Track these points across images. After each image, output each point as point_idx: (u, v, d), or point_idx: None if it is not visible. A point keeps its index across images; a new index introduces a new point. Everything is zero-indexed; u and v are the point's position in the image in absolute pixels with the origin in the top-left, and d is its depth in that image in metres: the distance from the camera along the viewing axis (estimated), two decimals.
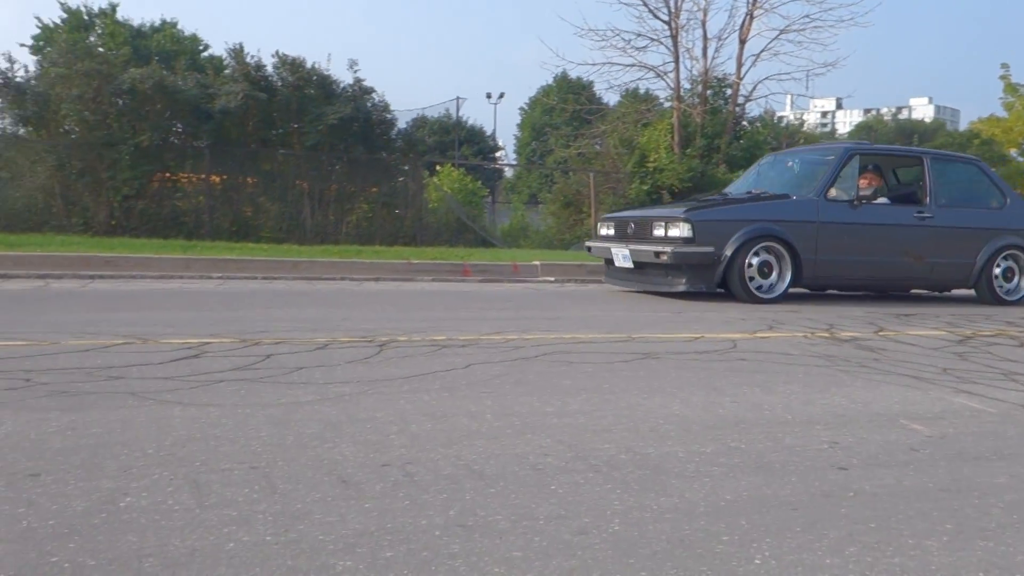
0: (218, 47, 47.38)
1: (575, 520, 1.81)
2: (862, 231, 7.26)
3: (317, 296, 6.35)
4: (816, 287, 7.61)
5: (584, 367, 3.54)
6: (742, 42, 14.87)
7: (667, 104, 15.50)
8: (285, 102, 12.71)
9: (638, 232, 7.25)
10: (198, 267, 8.05)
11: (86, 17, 33.12)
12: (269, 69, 12.88)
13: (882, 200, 7.81)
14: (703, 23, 15.00)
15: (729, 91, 15.42)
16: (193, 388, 2.87)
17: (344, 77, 13.42)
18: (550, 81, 41.30)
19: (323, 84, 12.95)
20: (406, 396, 2.87)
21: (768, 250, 6.92)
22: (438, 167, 17.46)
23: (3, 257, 7.48)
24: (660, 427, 2.60)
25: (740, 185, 8.57)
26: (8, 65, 11.88)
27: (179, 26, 34.63)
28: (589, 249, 8.18)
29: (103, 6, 33.45)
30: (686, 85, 15.27)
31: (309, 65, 12.99)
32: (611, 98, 26.63)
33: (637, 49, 15.32)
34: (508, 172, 40.81)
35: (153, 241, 10.40)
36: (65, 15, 32.98)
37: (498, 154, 41.67)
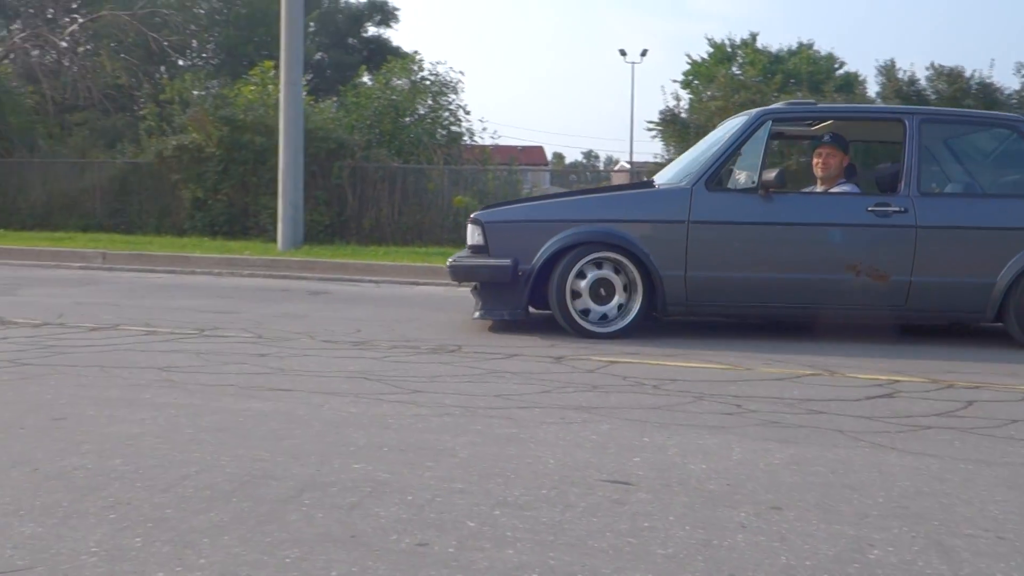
0: (854, 64, 46.89)
1: None
2: (768, 235, 4.77)
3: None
4: (692, 314, 4.98)
5: None
6: None
7: None
8: None
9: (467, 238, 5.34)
10: None
11: (729, 49, 35.55)
12: (922, 83, 12.25)
13: (844, 188, 5.01)
14: None
15: None
16: (900, 432, 2.78)
17: (1010, 83, 12.15)
18: None
19: (984, 93, 11.87)
20: None
21: (609, 264, 4.72)
22: None
23: None
24: None
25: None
26: (675, 103, 13.32)
27: (814, 47, 35.06)
28: None
29: (744, 37, 35.54)
30: None
31: (968, 74, 12.04)
32: None
33: None
34: None
35: None
36: (711, 49, 35.85)
37: None
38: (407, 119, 14.54)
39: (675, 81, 33.89)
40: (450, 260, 5.02)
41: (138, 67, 18.59)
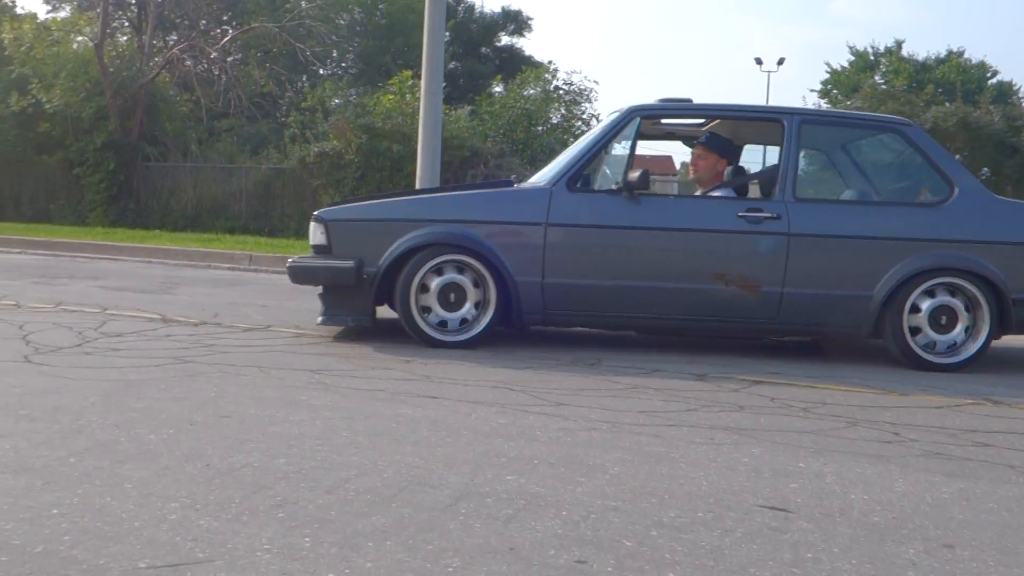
0: (1009, 72, 44.26)
1: None
2: (631, 240, 4.48)
3: None
4: (550, 324, 4.65)
5: None
6: None
7: None
8: None
9: None
10: None
11: (872, 57, 34.25)
12: None
13: (720, 192, 4.77)
14: None
15: None
16: None
17: None
18: None
19: None
20: None
21: (460, 267, 4.45)
22: None
23: None
24: None
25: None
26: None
27: (965, 55, 33.34)
28: None
29: (888, 44, 34.15)
30: None
31: None
32: None
33: None
34: None
35: None
36: (852, 58, 34.62)
37: None
38: (539, 128, 14.67)
39: (812, 91, 32.89)
40: (290, 260, 4.69)
41: (284, 76, 19.43)
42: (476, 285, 4.45)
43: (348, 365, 3.84)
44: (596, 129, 4.73)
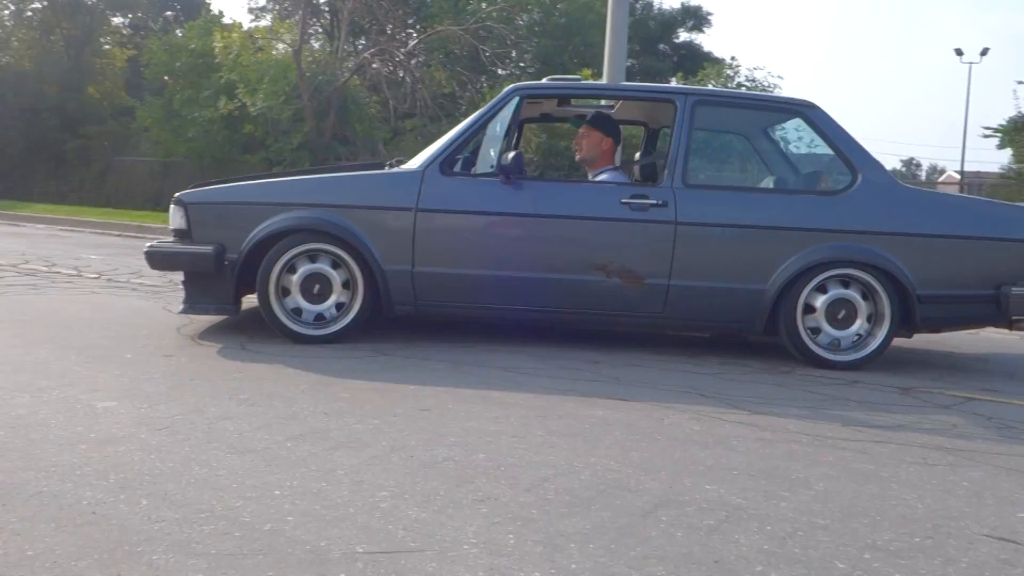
0: None
1: None
2: (506, 227, 4.16)
3: None
4: (423, 315, 4.30)
5: None
6: None
7: None
8: None
9: None
10: None
11: None
12: None
13: (605, 176, 4.45)
14: None
15: None
16: None
17: None
18: None
19: None
20: None
21: (326, 257, 4.17)
22: None
23: None
24: None
25: None
26: None
27: None
28: None
29: None
30: None
31: None
32: None
33: None
34: None
35: None
36: None
37: None
38: None
39: (1020, 82, 30.16)
40: (147, 245, 4.33)
41: (467, 77, 19.95)
42: (343, 275, 4.20)
43: (538, 363, 3.88)
44: (478, 111, 4.51)
